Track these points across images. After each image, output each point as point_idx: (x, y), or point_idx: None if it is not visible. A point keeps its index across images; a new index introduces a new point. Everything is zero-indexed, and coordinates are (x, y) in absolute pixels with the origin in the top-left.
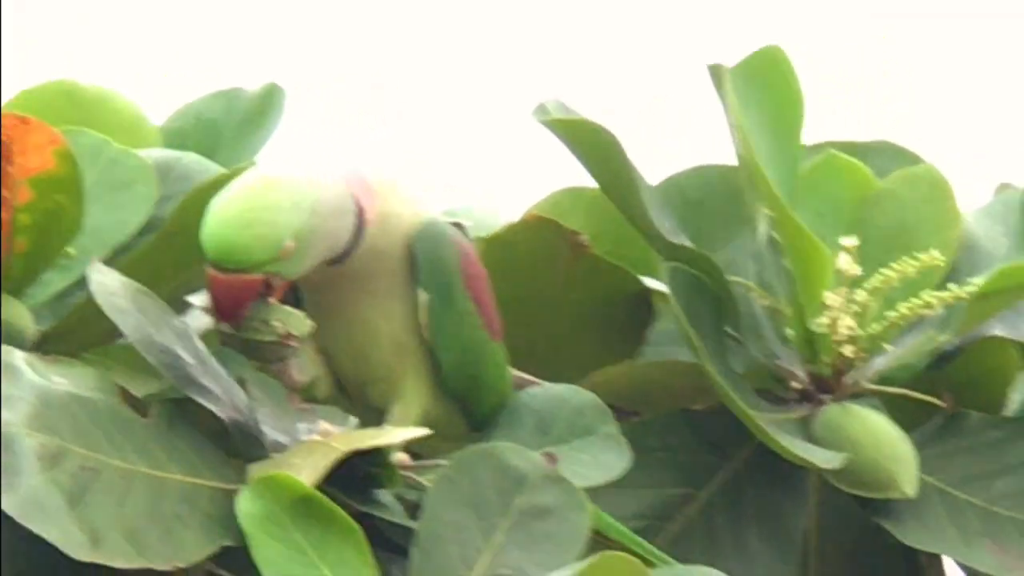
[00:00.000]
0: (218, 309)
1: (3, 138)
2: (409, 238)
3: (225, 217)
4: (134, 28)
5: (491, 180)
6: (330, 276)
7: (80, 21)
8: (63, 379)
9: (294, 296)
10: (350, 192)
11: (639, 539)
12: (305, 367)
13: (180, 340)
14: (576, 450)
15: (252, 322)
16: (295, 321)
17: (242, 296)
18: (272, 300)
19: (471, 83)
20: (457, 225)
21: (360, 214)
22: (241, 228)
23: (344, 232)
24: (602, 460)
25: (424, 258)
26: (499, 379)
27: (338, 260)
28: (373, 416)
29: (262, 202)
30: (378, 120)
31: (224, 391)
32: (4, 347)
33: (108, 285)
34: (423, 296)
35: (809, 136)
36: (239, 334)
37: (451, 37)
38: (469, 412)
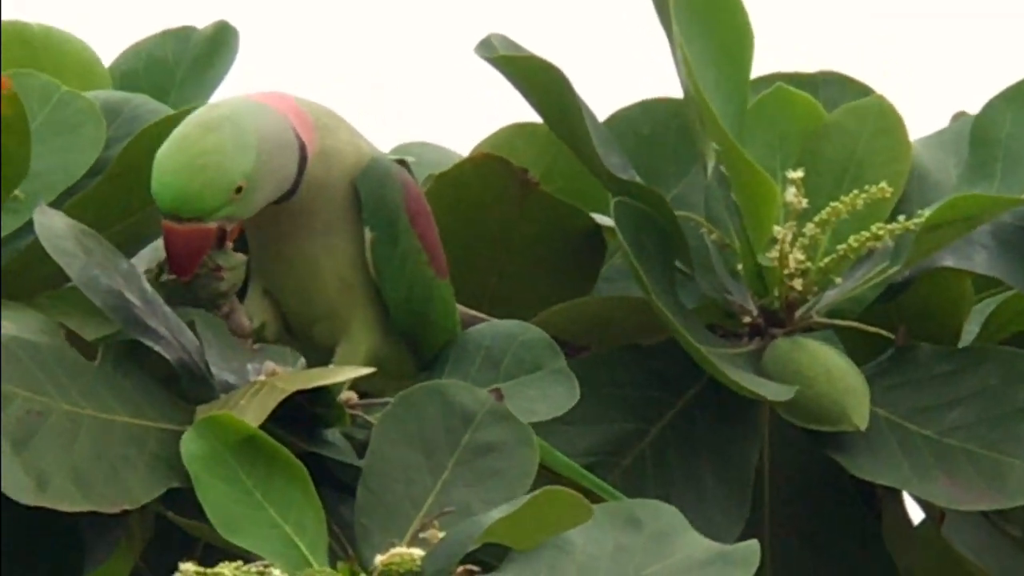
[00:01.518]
0: (174, 264)
1: None
2: (352, 176)
3: (173, 167)
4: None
5: (442, 117)
6: (272, 212)
7: None
8: (8, 323)
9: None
10: (290, 126)
11: (589, 475)
12: (252, 311)
13: (127, 282)
14: (525, 385)
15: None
16: (223, 256)
17: (200, 246)
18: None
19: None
20: (401, 162)
21: (302, 149)
22: (191, 176)
23: (289, 167)
24: (550, 395)
25: (369, 196)
26: (446, 317)
27: (284, 198)
28: (321, 356)
29: (207, 145)
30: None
31: (173, 333)
32: None
33: (54, 228)
34: (368, 234)
35: (763, 70)
36: (170, 280)
37: (446, 35)
38: (417, 350)
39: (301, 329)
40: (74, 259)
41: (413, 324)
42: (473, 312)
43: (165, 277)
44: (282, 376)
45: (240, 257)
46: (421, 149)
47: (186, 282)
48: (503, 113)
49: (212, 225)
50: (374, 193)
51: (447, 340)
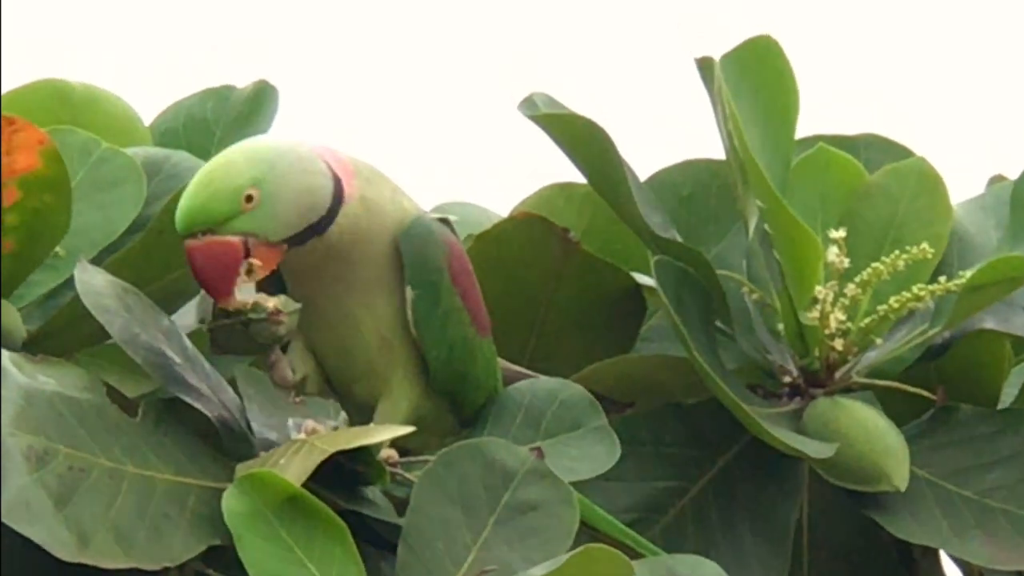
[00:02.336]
0: (205, 284)
1: None
2: (395, 233)
3: (188, 191)
4: (128, 28)
5: (482, 176)
6: (314, 263)
7: (73, 19)
8: (50, 379)
9: (280, 290)
10: (320, 158)
11: (630, 531)
12: (295, 364)
13: (168, 339)
14: (565, 444)
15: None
16: (281, 301)
17: (223, 260)
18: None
19: (463, 79)
20: (443, 221)
21: (337, 182)
22: (199, 190)
23: (319, 192)
24: (591, 453)
25: (411, 255)
26: (488, 375)
27: (319, 229)
28: (362, 412)
29: (218, 163)
30: (378, 120)
31: (213, 390)
32: None
33: (94, 285)
34: (410, 293)
35: (804, 131)
36: (229, 318)
37: (441, 37)
38: (458, 408)
39: (342, 385)
40: (115, 316)
41: (454, 382)
42: (517, 367)
43: (222, 322)
44: (322, 435)
45: (296, 304)
46: (462, 209)
47: (245, 324)
48: (544, 172)
49: (232, 239)
50: (417, 252)
51: (488, 399)
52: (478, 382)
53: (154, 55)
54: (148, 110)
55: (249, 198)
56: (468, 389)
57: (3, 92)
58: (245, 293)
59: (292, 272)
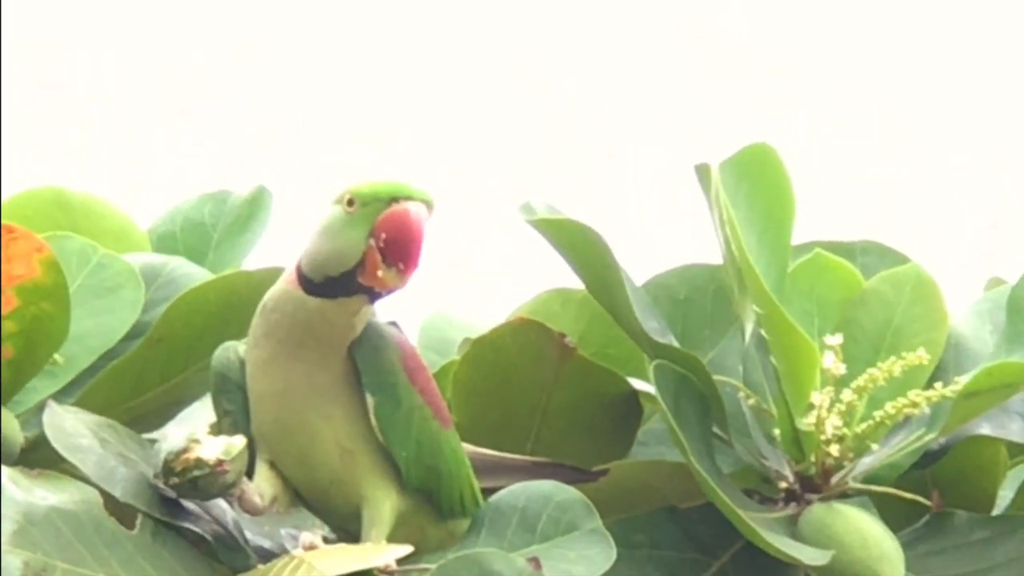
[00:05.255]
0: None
1: None
2: (348, 342)
3: None
4: (128, 28)
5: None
6: (274, 356)
7: (73, 19)
8: (48, 493)
9: (244, 410)
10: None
11: None
12: (262, 488)
13: (151, 465)
14: (561, 547)
15: (179, 465)
16: (223, 449)
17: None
18: (197, 436)
19: (460, 189)
20: (391, 323)
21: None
22: None
23: None
24: (587, 556)
25: (366, 362)
26: (458, 465)
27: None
28: (342, 520)
29: None
30: (377, 120)
31: (203, 507)
32: None
33: (64, 427)
34: (371, 399)
35: (800, 233)
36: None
37: (441, 37)
38: (435, 501)
39: (313, 496)
40: (89, 454)
41: (427, 478)
42: (480, 449)
43: (173, 481)
44: (321, 552)
45: (239, 444)
46: (456, 315)
47: (192, 483)
48: (541, 278)
49: None
50: (372, 358)
51: (462, 487)
52: (450, 475)
53: (154, 55)
54: (146, 112)
55: None
56: (442, 482)
57: (3, 200)
58: (209, 448)
59: (252, 387)
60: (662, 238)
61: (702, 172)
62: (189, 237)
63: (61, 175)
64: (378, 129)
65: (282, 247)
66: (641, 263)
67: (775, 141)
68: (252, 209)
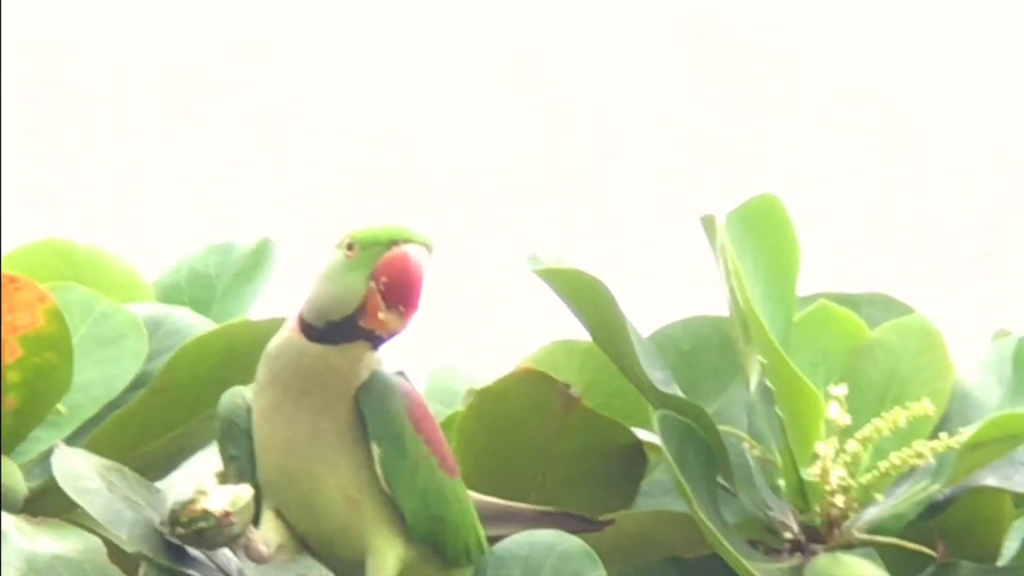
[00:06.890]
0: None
1: None
2: (353, 391)
3: None
4: (128, 28)
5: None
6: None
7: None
8: (51, 541)
9: (250, 457)
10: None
11: None
12: (268, 537)
13: (157, 511)
14: None
15: (185, 516)
16: (230, 500)
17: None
18: (204, 487)
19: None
20: (399, 373)
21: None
22: None
23: None
24: None
25: (372, 412)
26: (464, 515)
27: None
28: (348, 568)
29: None
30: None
31: (207, 554)
32: None
33: (73, 468)
34: (376, 449)
35: (805, 285)
36: (183, 527)
37: (441, 37)
38: (441, 551)
39: (318, 544)
40: (96, 497)
41: (433, 528)
42: (486, 497)
43: (179, 531)
44: None
45: (245, 496)
46: (461, 366)
47: (198, 534)
48: (546, 329)
49: None
50: (378, 408)
51: (468, 537)
52: (456, 524)
53: (154, 55)
54: (146, 112)
55: None
56: (447, 532)
57: (6, 251)
58: (216, 500)
59: (258, 436)
60: (662, 238)
61: (707, 224)
62: (194, 288)
63: (61, 175)
64: (378, 129)
65: (287, 299)
66: (641, 263)
67: (775, 141)
68: (256, 260)
